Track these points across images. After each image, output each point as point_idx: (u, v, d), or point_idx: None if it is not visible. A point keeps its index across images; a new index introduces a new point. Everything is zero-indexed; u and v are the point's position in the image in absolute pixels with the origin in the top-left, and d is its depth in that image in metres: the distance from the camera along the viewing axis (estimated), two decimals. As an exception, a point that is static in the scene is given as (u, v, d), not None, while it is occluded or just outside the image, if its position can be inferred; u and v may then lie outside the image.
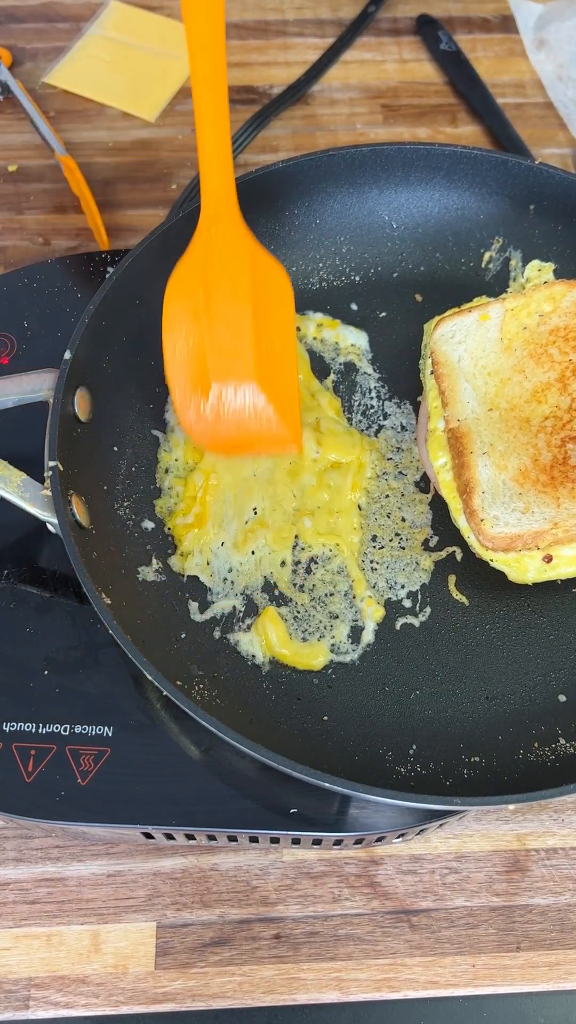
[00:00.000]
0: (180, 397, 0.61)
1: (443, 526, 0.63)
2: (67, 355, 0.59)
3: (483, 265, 0.73)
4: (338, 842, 0.57)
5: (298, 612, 0.61)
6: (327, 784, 0.47)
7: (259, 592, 0.61)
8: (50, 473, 0.56)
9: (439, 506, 0.63)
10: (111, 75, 0.95)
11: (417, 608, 0.61)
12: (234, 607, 0.61)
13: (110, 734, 0.57)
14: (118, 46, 0.97)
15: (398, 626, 0.61)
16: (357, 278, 0.73)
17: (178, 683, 0.52)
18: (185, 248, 0.67)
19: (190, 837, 0.57)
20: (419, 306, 0.72)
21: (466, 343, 0.63)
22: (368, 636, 0.60)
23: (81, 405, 0.60)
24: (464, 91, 0.95)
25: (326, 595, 0.61)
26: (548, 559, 0.57)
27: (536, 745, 0.56)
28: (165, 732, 0.57)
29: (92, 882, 0.60)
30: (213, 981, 0.58)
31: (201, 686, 0.56)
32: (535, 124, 0.94)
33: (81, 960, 0.58)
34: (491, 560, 0.59)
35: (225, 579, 0.61)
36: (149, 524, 0.63)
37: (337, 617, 0.61)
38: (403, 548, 0.63)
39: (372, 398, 0.69)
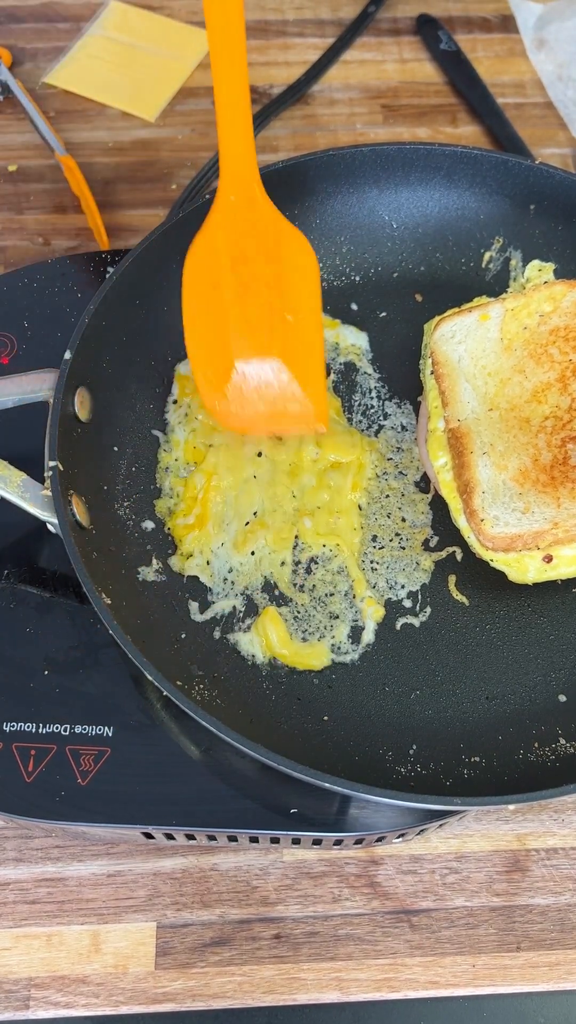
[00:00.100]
0: (201, 374, 0.59)
1: (443, 526, 0.63)
2: (67, 355, 0.59)
3: (483, 265, 0.73)
4: (338, 842, 0.57)
5: (298, 612, 0.61)
6: (327, 784, 0.47)
7: (259, 592, 0.61)
8: (50, 473, 0.56)
9: (439, 506, 0.63)
10: (111, 75, 0.95)
11: (417, 608, 0.61)
12: (234, 607, 0.61)
13: (110, 734, 0.57)
14: (118, 46, 0.97)
15: (398, 626, 0.61)
16: (357, 278, 0.73)
17: (178, 683, 0.52)
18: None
19: (190, 837, 0.57)
20: (419, 306, 0.72)
21: (466, 343, 0.63)
22: (368, 636, 0.60)
23: (81, 405, 0.60)
24: (464, 91, 0.95)
25: (326, 595, 0.61)
26: (548, 559, 0.57)
27: (536, 745, 0.56)
28: (165, 732, 0.57)
29: (92, 882, 0.60)
30: (213, 981, 0.58)
31: (201, 686, 0.56)
32: (535, 124, 0.94)
33: (81, 960, 0.58)
34: (491, 560, 0.59)
35: (225, 579, 0.61)
36: (149, 524, 0.63)
37: (337, 617, 0.61)
38: (403, 548, 0.63)
39: (372, 398, 0.69)
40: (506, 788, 0.53)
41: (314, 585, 0.62)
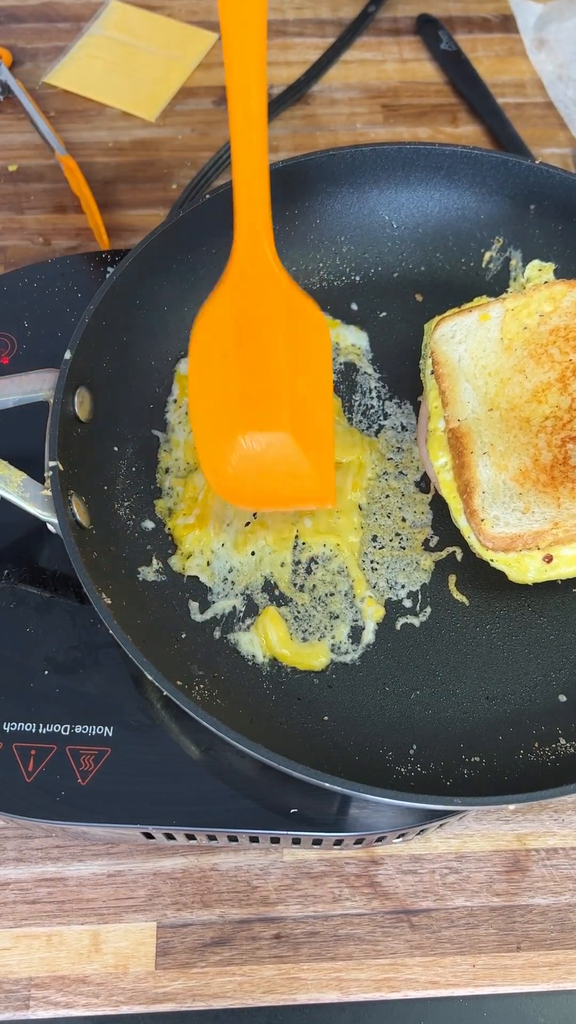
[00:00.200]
0: (205, 445, 0.56)
1: (443, 526, 0.63)
2: (67, 355, 0.59)
3: (483, 265, 0.73)
4: (338, 842, 0.57)
5: (298, 612, 0.61)
6: (327, 784, 0.47)
7: (259, 592, 0.61)
8: (50, 473, 0.56)
9: (439, 506, 0.63)
10: (111, 75, 0.95)
11: (417, 608, 0.61)
12: (234, 607, 0.61)
13: (110, 734, 0.57)
14: (118, 46, 0.97)
15: (398, 626, 0.61)
16: (357, 278, 0.73)
17: (178, 683, 0.52)
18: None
19: (190, 837, 0.57)
20: (419, 306, 0.72)
21: (466, 343, 0.63)
22: (368, 636, 0.60)
23: (81, 405, 0.60)
24: (464, 91, 0.95)
25: (326, 595, 0.61)
26: (548, 559, 0.57)
27: (536, 745, 0.56)
28: (165, 732, 0.57)
29: (92, 882, 0.60)
30: (213, 981, 0.58)
31: (201, 686, 0.56)
32: (535, 124, 0.94)
33: (81, 960, 0.58)
34: (491, 560, 0.59)
35: (225, 579, 0.61)
36: (149, 524, 0.63)
37: (337, 617, 0.61)
38: (403, 548, 0.63)
39: (372, 398, 0.69)
40: (506, 788, 0.53)
41: (314, 585, 0.62)
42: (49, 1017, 0.57)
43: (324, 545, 0.62)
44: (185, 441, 0.65)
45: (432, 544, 0.63)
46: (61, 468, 0.56)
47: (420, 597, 0.61)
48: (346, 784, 0.48)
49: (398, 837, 0.58)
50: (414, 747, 0.56)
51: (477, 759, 0.55)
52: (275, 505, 0.59)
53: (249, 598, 0.61)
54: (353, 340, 0.70)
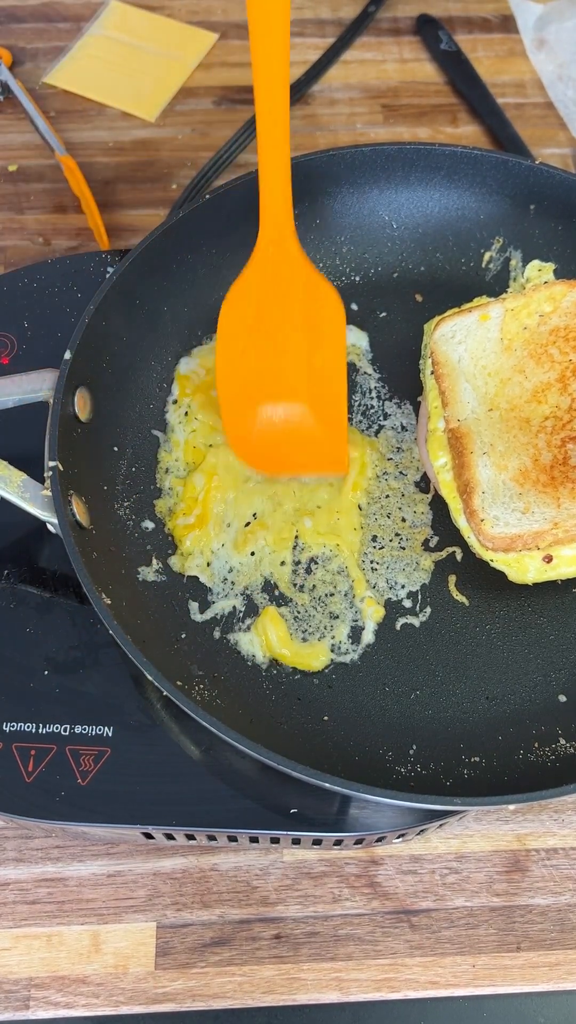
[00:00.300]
0: (230, 414, 0.62)
1: (443, 526, 0.63)
2: (67, 355, 0.59)
3: (483, 265, 0.73)
4: (338, 842, 0.57)
5: (298, 612, 0.61)
6: (327, 784, 0.47)
7: (259, 592, 0.61)
8: (50, 473, 0.56)
9: (439, 506, 0.63)
10: (111, 75, 0.95)
11: (417, 608, 0.61)
12: (234, 607, 0.61)
13: (110, 734, 0.57)
14: (118, 46, 0.97)
15: (398, 626, 0.61)
16: (357, 278, 0.73)
17: (178, 683, 0.52)
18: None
19: (190, 837, 0.57)
20: (419, 306, 0.72)
21: (466, 343, 0.63)
22: (368, 636, 0.60)
23: (81, 405, 0.60)
24: (464, 91, 0.95)
25: (326, 595, 0.61)
26: (548, 559, 0.57)
27: (536, 745, 0.56)
28: (165, 732, 0.57)
29: (92, 882, 0.60)
30: (213, 981, 0.58)
31: (201, 686, 0.56)
32: (535, 124, 0.94)
33: (81, 960, 0.58)
34: (491, 560, 0.59)
35: (225, 579, 0.61)
36: (149, 524, 0.63)
37: (337, 617, 0.61)
38: (403, 548, 0.63)
39: (372, 398, 0.69)
40: (506, 788, 0.53)
41: (314, 585, 0.62)
42: (49, 1017, 0.57)
43: (324, 545, 0.62)
44: (185, 441, 0.65)
45: (432, 544, 0.63)
46: (61, 468, 0.56)
47: (420, 597, 0.61)
48: (346, 784, 0.47)
49: (398, 837, 0.58)
50: (414, 747, 0.56)
51: (477, 759, 0.55)
52: (293, 471, 0.63)
53: (249, 598, 0.61)
54: (353, 340, 0.70)
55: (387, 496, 0.64)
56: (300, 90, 0.94)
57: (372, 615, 0.60)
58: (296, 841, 0.57)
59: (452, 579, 0.62)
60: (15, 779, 0.56)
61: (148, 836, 0.57)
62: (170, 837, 0.57)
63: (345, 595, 0.61)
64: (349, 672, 0.59)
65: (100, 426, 0.62)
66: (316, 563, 0.62)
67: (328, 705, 0.58)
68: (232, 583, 0.61)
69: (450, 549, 0.63)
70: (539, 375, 0.62)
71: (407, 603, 0.61)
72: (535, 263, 0.71)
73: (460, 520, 0.60)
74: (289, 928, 0.59)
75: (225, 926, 0.59)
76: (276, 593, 0.61)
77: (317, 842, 0.57)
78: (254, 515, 0.63)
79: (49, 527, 0.57)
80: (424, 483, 0.65)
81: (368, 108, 0.95)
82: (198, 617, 0.60)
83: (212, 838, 0.57)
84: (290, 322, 0.62)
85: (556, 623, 0.61)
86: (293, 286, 0.62)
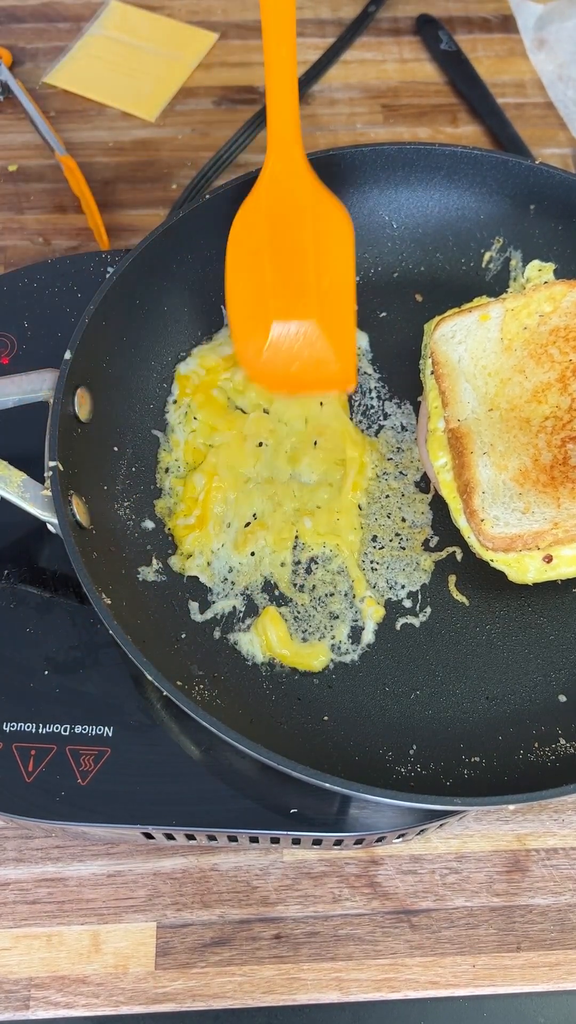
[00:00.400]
0: (240, 333, 0.62)
1: (443, 526, 0.63)
2: (67, 355, 0.59)
3: (483, 265, 0.73)
4: (338, 842, 0.57)
5: (298, 612, 0.61)
6: (327, 784, 0.47)
7: (259, 592, 0.61)
8: (50, 473, 0.56)
9: (439, 506, 0.63)
10: (111, 75, 0.95)
11: (417, 608, 0.61)
12: (234, 607, 0.61)
13: (110, 734, 0.57)
14: (118, 46, 0.97)
15: (398, 626, 0.61)
16: (357, 278, 0.73)
17: (178, 683, 0.52)
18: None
19: (190, 837, 0.57)
20: (419, 306, 0.72)
21: (466, 343, 0.63)
22: (368, 636, 0.60)
23: (81, 405, 0.60)
24: (464, 91, 0.95)
25: (326, 595, 0.61)
26: (548, 559, 0.57)
27: (536, 745, 0.56)
28: (165, 732, 0.57)
29: (92, 882, 0.60)
30: (213, 981, 0.58)
31: (201, 686, 0.56)
32: (535, 124, 0.94)
33: (81, 960, 0.58)
34: (491, 560, 0.59)
35: (225, 579, 0.61)
36: (149, 524, 0.63)
37: (337, 617, 0.61)
38: (403, 548, 0.63)
39: (372, 398, 0.69)
40: (506, 788, 0.53)
41: (314, 585, 0.61)
42: (49, 1017, 0.57)
43: (324, 545, 0.62)
44: (185, 441, 0.65)
45: (432, 544, 0.63)
46: (61, 468, 0.56)
47: (420, 597, 0.61)
48: (346, 784, 0.47)
49: (398, 837, 0.58)
50: (414, 747, 0.56)
51: (477, 759, 0.55)
52: (303, 389, 0.64)
53: (249, 598, 0.61)
54: (353, 340, 0.70)
55: (387, 496, 0.64)
56: (300, 90, 0.94)
57: (372, 615, 0.60)
58: (296, 841, 0.57)
59: (452, 579, 0.62)
60: (15, 779, 0.56)
61: (148, 836, 0.57)
62: (170, 837, 0.57)
63: (345, 595, 0.61)
64: (349, 672, 0.59)
65: (100, 426, 0.62)
66: (316, 563, 0.62)
67: (328, 705, 0.58)
68: (232, 583, 0.61)
69: (450, 549, 0.63)
70: (539, 375, 0.62)
71: (407, 603, 0.61)
72: (535, 263, 0.71)
73: (460, 520, 0.60)
74: (289, 928, 0.59)
75: (225, 926, 0.59)
76: (276, 593, 0.61)
77: (317, 842, 0.57)
78: (254, 515, 0.63)
79: (49, 527, 0.57)
80: (424, 483, 0.65)
81: (368, 108, 0.95)
82: (198, 617, 0.60)
83: (212, 838, 0.57)
84: (300, 239, 0.62)
85: (556, 623, 0.61)
86: (302, 202, 0.62)
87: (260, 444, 0.65)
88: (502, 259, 0.72)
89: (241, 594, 0.61)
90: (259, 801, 0.55)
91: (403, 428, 0.67)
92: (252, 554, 0.62)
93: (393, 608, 0.61)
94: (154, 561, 0.61)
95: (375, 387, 0.69)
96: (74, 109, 0.93)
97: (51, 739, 0.57)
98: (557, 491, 0.58)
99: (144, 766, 0.56)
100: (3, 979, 0.58)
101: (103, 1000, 0.58)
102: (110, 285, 0.62)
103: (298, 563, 0.62)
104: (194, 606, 0.61)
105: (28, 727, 0.57)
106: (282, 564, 0.62)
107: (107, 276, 0.62)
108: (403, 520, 0.64)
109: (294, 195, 0.62)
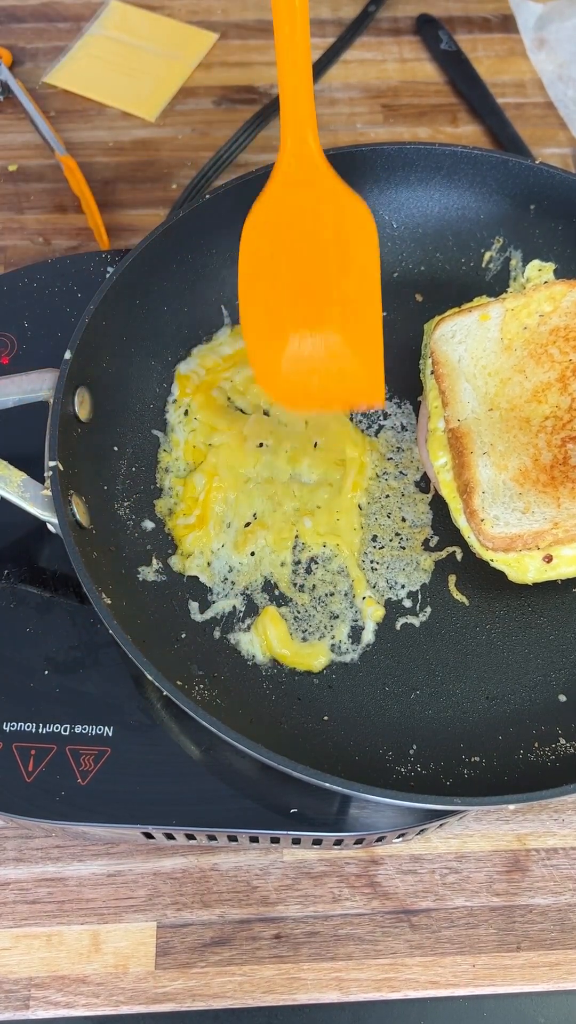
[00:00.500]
0: (256, 349, 0.57)
1: (443, 526, 0.63)
2: (67, 355, 0.59)
3: (483, 265, 0.73)
4: (338, 842, 0.57)
5: (298, 612, 0.61)
6: (327, 784, 0.47)
7: (259, 592, 0.61)
8: (50, 473, 0.56)
9: (439, 506, 0.63)
10: (111, 75, 0.95)
11: (417, 608, 0.61)
12: (234, 607, 0.61)
13: (110, 734, 0.57)
14: (118, 46, 0.97)
15: (398, 626, 0.61)
16: (357, 278, 0.73)
17: (178, 683, 0.52)
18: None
19: (190, 837, 0.57)
20: (419, 306, 0.72)
21: (466, 343, 0.63)
22: (368, 636, 0.60)
23: (81, 405, 0.60)
24: (464, 91, 0.95)
25: (326, 595, 0.61)
26: (548, 559, 0.57)
27: (536, 745, 0.56)
28: (165, 732, 0.57)
29: (92, 882, 0.60)
30: (213, 981, 0.58)
31: (201, 686, 0.56)
32: (535, 124, 0.94)
33: (81, 960, 0.58)
34: (491, 560, 0.59)
35: (225, 579, 0.61)
36: (149, 524, 0.63)
37: (337, 617, 0.61)
38: (403, 548, 0.63)
39: (372, 398, 0.69)
40: (506, 788, 0.53)
41: (314, 585, 0.61)
42: (49, 1017, 0.57)
43: (324, 545, 0.62)
44: (185, 441, 0.65)
45: (432, 544, 0.63)
46: (61, 468, 0.56)
47: (420, 597, 0.61)
48: (346, 784, 0.47)
49: (398, 837, 0.58)
50: (414, 747, 0.56)
51: (477, 759, 0.55)
52: (326, 406, 0.59)
53: (249, 598, 0.61)
54: (353, 340, 0.70)
55: (387, 496, 0.64)
56: (300, 90, 0.94)
57: (372, 615, 0.60)
58: (296, 841, 0.57)
59: (452, 579, 0.62)
60: (15, 779, 0.56)
61: (148, 836, 0.57)
62: (170, 837, 0.57)
63: (345, 595, 0.61)
64: (349, 672, 0.59)
65: (100, 426, 0.62)
66: (316, 563, 0.62)
67: (328, 705, 0.58)
68: (232, 583, 0.61)
69: (450, 549, 0.63)
70: (539, 375, 0.62)
71: (407, 603, 0.61)
72: (535, 263, 0.71)
73: (460, 520, 0.60)
74: (289, 928, 0.59)
75: (225, 926, 0.59)
76: (276, 593, 0.61)
77: (317, 842, 0.57)
78: (254, 515, 0.63)
79: (49, 527, 0.57)
80: (424, 483, 0.65)
81: (368, 108, 0.95)
82: (198, 617, 0.60)
83: (212, 838, 0.57)
84: (318, 242, 0.56)
85: (556, 623, 0.61)
86: (320, 202, 0.57)
87: (260, 444, 0.65)
88: (502, 259, 0.72)
89: (241, 594, 0.61)
90: (259, 801, 0.55)
91: (403, 428, 0.67)
92: (252, 554, 0.62)
93: (393, 608, 0.61)
94: (154, 561, 0.61)
95: (375, 387, 0.69)
96: (74, 109, 0.93)
97: (51, 739, 0.57)
98: (557, 491, 0.58)
99: (144, 766, 0.56)
100: (3, 979, 0.58)
101: (103, 1000, 0.58)
102: (110, 285, 0.62)
103: (298, 563, 0.62)
104: (194, 606, 0.61)
105: (28, 727, 0.57)
106: (282, 564, 0.62)
107: (107, 276, 0.62)
108: (403, 520, 0.64)
109: (312, 193, 0.57)
